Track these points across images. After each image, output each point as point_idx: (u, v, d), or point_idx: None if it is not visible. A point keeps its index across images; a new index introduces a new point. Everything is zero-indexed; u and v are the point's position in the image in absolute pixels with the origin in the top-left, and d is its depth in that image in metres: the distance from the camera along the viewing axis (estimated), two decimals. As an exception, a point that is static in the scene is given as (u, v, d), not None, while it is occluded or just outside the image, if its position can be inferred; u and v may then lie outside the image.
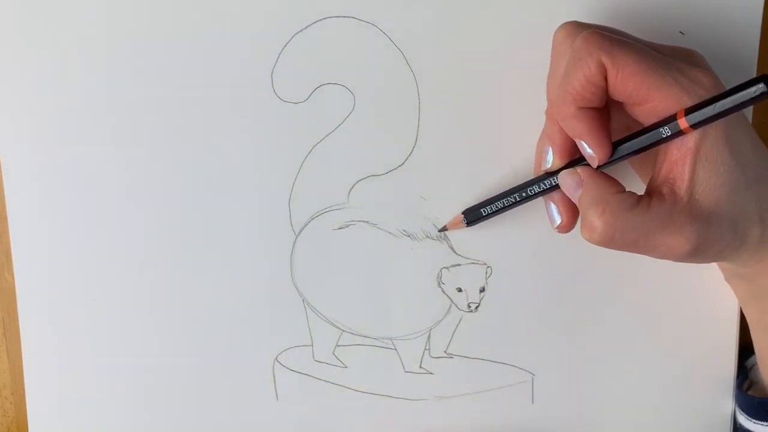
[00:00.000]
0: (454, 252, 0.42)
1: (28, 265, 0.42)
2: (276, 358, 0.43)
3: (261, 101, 0.40)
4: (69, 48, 0.40)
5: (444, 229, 0.41)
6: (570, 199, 0.37)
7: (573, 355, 0.44)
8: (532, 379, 0.44)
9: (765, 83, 0.31)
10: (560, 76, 0.34)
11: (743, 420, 0.43)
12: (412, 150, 0.41)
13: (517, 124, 0.40)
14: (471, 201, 0.41)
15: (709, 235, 0.34)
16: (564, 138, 0.36)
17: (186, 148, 0.41)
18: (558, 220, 0.38)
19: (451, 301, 0.43)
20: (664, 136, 0.33)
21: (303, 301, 0.43)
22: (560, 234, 0.38)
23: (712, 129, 0.33)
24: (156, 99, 0.40)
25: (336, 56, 0.40)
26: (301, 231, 0.42)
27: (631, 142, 0.35)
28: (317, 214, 0.42)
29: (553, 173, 0.37)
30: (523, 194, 0.38)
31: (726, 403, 0.44)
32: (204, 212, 0.41)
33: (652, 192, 0.34)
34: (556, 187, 0.37)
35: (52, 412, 0.43)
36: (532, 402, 0.44)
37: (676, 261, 0.35)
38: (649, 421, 0.45)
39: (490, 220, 0.41)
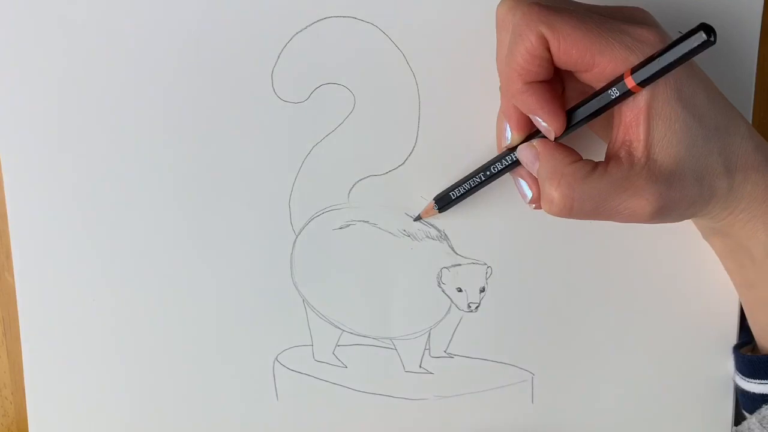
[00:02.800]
0: (454, 252, 0.42)
1: (28, 265, 0.42)
2: (276, 358, 0.43)
3: (261, 101, 0.40)
4: (69, 48, 0.40)
5: (418, 218, 0.41)
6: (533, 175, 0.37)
7: (573, 355, 0.44)
8: (532, 378, 0.44)
9: (705, 32, 0.30)
10: (503, 50, 0.34)
11: (739, 380, 0.42)
12: (412, 150, 0.41)
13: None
14: (470, 200, 0.41)
15: (671, 194, 0.33)
16: (519, 113, 0.36)
17: (186, 148, 0.41)
18: (529, 195, 0.38)
19: (451, 301, 0.43)
20: (614, 97, 0.33)
21: (303, 301, 0.43)
22: (535, 210, 0.38)
23: (662, 87, 0.33)
24: (156, 99, 0.40)
25: (336, 56, 0.40)
26: (301, 231, 0.42)
27: (584, 107, 0.34)
28: (317, 214, 0.42)
29: (513, 149, 0.37)
30: (488, 173, 0.38)
31: (728, 402, 0.44)
32: (204, 212, 0.41)
33: (609, 157, 0.34)
34: (519, 162, 0.37)
35: (52, 412, 0.43)
36: (532, 402, 0.44)
37: (643, 223, 0.34)
38: (650, 421, 0.45)
39: (491, 220, 0.41)
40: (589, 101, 0.34)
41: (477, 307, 0.43)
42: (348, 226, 0.42)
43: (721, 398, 0.44)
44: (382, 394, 0.44)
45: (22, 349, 0.43)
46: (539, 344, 0.43)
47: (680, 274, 0.43)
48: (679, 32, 0.40)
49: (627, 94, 0.33)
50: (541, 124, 0.35)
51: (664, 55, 0.31)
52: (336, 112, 0.41)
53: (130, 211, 0.41)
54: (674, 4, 0.40)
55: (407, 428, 0.44)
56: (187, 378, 0.43)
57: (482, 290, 0.43)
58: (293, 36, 0.40)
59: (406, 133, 0.41)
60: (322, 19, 0.40)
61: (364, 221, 0.42)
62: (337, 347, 0.43)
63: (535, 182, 0.37)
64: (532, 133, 0.36)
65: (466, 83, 0.40)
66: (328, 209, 0.42)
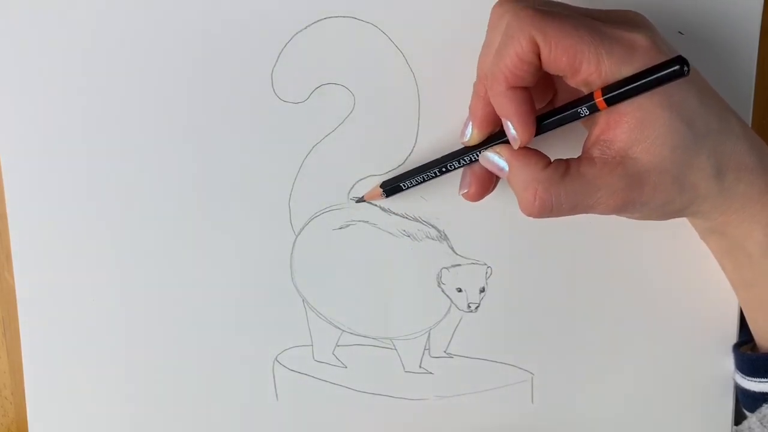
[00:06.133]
0: (454, 252, 0.42)
1: (28, 265, 0.42)
2: (276, 358, 0.43)
3: (261, 101, 0.40)
4: (69, 48, 0.40)
5: (361, 199, 0.41)
6: (483, 174, 0.38)
7: (573, 355, 0.44)
8: (532, 378, 0.44)
9: (680, 64, 0.31)
10: (493, 51, 0.34)
11: (740, 379, 0.42)
12: (412, 150, 0.41)
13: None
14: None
15: (644, 190, 0.34)
16: (486, 113, 0.36)
17: (186, 149, 0.41)
18: (466, 189, 0.38)
19: (451, 301, 0.43)
20: (583, 115, 0.34)
21: (303, 301, 0.43)
22: (469, 201, 0.39)
23: (648, 94, 0.33)
24: (156, 99, 0.40)
25: (336, 56, 0.40)
26: (301, 231, 0.42)
27: (553, 120, 0.35)
28: (317, 214, 0.42)
29: (472, 148, 0.37)
30: (443, 169, 0.39)
31: (728, 402, 0.44)
32: (204, 212, 0.41)
33: (583, 154, 0.35)
34: (476, 160, 0.38)
35: (52, 412, 0.43)
36: (532, 402, 0.44)
37: (617, 215, 0.35)
38: (650, 421, 0.45)
39: (491, 220, 0.41)
40: (558, 113, 0.35)
41: (477, 308, 0.43)
42: (348, 226, 0.42)
43: (721, 398, 0.44)
44: (382, 394, 0.44)
45: (22, 349, 0.43)
46: (539, 344, 0.43)
47: (680, 273, 0.43)
48: (679, 32, 0.40)
49: (596, 111, 0.34)
50: (510, 130, 0.35)
51: (637, 83, 0.32)
52: (336, 112, 0.41)
53: (130, 211, 0.41)
54: (674, 4, 0.40)
55: (407, 428, 0.44)
56: (187, 378, 0.43)
57: (482, 290, 0.43)
58: (293, 36, 0.40)
59: (406, 133, 0.41)
60: (322, 19, 0.40)
61: (364, 221, 0.42)
62: (337, 347, 0.43)
63: (479, 181, 0.38)
64: (494, 135, 0.37)
65: (466, 83, 0.40)
66: (328, 209, 0.42)
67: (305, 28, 0.40)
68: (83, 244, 0.42)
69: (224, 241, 0.42)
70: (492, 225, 0.42)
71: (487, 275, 0.42)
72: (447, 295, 0.43)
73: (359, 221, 0.42)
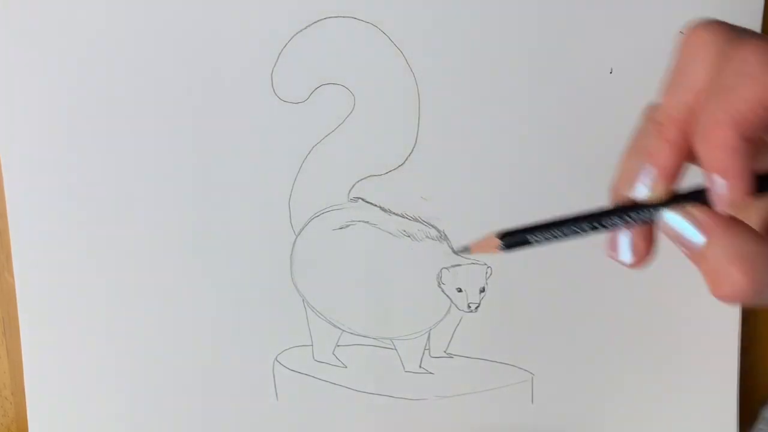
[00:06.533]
0: (454, 252, 0.42)
1: (28, 265, 0.42)
2: (276, 358, 0.43)
3: (261, 101, 0.40)
4: (69, 48, 0.40)
5: (466, 249, 0.31)
6: (649, 233, 0.29)
7: (573, 355, 0.44)
8: (532, 379, 0.44)
9: None
10: (690, 83, 0.27)
11: None
12: (412, 150, 0.41)
13: (517, 124, 0.40)
14: (470, 201, 0.41)
15: None
16: (677, 161, 0.27)
17: (186, 149, 0.41)
18: (629, 258, 0.29)
19: (451, 301, 0.43)
20: None
21: (303, 301, 0.43)
22: (632, 269, 0.30)
23: None
24: (156, 99, 0.40)
25: (336, 56, 0.40)
26: (301, 231, 0.42)
27: None
28: (317, 214, 0.42)
29: (647, 206, 0.28)
30: (594, 225, 0.28)
31: (727, 400, 0.44)
32: (204, 212, 0.41)
33: None
34: (647, 220, 0.28)
35: (52, 412, 0.43)
36: (532, 402, 0.44)
37: None
38: (650, 421, 0.45)
39: (491, 220, 0.41)
40: None
41: (477, 308, 0.43)
42: (348, 226, 0.42)
43: (722, 398, 0.44)
44: (382, 394, 0.44)
45: (22, 349, 0.43)
46: (539, 344, 0.43)
47: (681, 273, 0.43)
48: (680, 32, 0.40)
49: None
50: (720, 188, 0.26)
51: None
52: (336, 112, 0.41)
53: (130, 211, 0.41)
54: (674, 4, 0.40)
55: (407, 428, 0.44)
56: (186, 378, 0.43)
57: (482, 290, 0.43)
58: (293, 36, 0.40)
59: (406, 133, 0.41)
60: (322, 19, 0.40)
61: (364, 221, 0.42)
62: (337, 347, 0.43)
63: (646, 244, 0.29)
64: (678, 194, 0.28)
65: (466, 83, 0.40)
66: (328, 209, 0.42)
67: (305, 28, 0.40)
68: (83, 244, 0.42)
69: (224, 241, 0.42)
70: (492, 225, 0.42)
71: (487, 275, 0.42)
72: (447, 295, 0.43)
73: (359, 221, 0.42)
